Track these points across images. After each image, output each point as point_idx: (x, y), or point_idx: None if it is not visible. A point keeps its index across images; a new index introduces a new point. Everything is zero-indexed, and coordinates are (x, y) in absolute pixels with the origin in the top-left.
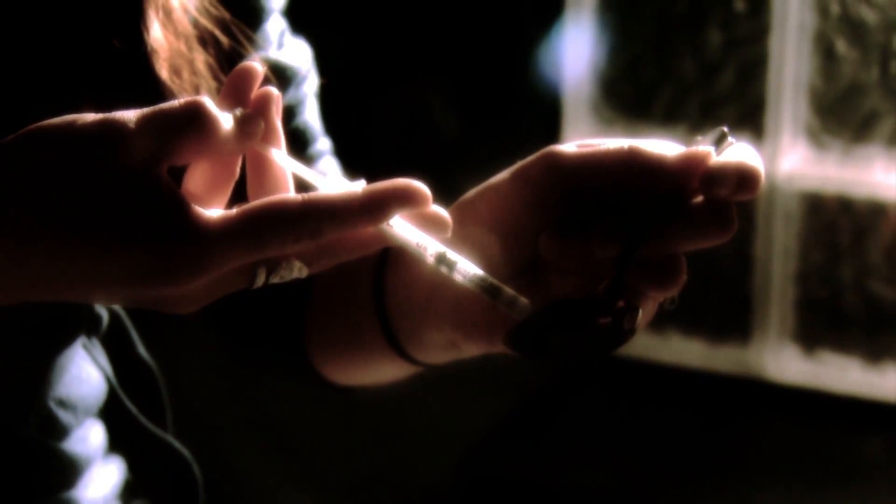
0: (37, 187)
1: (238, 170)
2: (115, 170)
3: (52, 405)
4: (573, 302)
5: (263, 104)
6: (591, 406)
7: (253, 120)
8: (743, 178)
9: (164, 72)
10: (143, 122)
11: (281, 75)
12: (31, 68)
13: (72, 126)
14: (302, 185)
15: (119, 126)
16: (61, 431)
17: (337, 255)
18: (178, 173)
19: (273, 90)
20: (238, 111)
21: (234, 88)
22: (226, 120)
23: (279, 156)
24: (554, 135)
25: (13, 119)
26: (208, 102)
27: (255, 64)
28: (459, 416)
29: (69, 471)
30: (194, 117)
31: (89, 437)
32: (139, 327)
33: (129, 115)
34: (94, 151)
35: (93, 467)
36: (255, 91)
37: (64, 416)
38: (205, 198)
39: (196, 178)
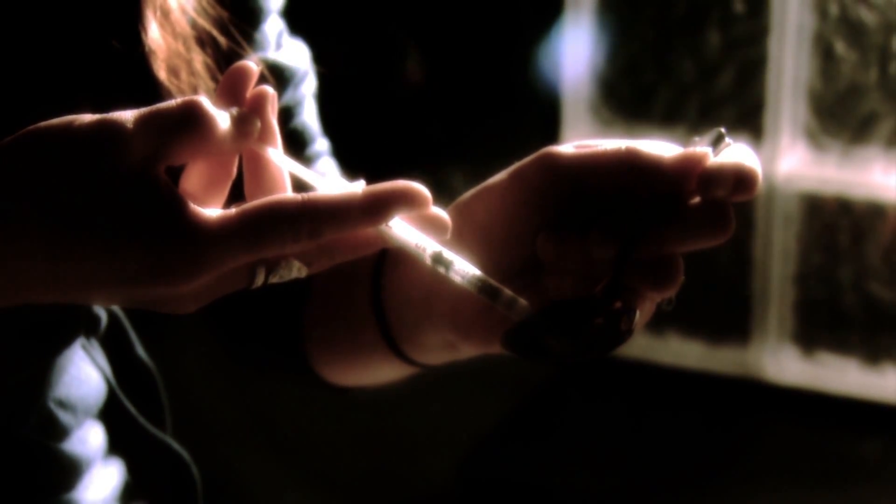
0: (35, 188)
1: (235, 169)
2: (113, 170)
3: (52, 406)
4: (571, 303)
5: (259, 103)
6: (591, 407)
7: (249, 119)
8: (740, 179)
9: (161, 72)
10: (141, 122)
11: (279, 76)
12: (30, 69)
13: (70, 127)
14: (300, 185)
15: (117, 126)
16: (61, 432)
17: (336, 255)
18: (176, 174)
19: (268, 89)
20: (234, 110)
21: (229, 88)
22: (222, 119)
23: (276, 155)
24: (553, 135)
25: (12, 120)
26: (205, 102)
27: (250, 63)
28: (459, 416)
29: (69, 472)
30: (191, 117)
31: (89, 439)
32: (138, 328)
33: (127, 116)
34: (92, 152)
35: (93, 469)
36: (251, 90)
37: (64, 416)
38: (202, 197)
39: (193, 178)
